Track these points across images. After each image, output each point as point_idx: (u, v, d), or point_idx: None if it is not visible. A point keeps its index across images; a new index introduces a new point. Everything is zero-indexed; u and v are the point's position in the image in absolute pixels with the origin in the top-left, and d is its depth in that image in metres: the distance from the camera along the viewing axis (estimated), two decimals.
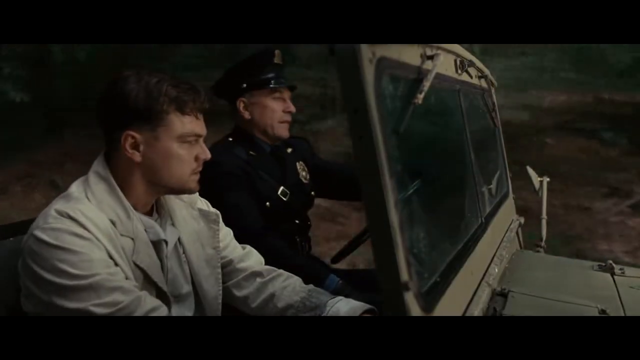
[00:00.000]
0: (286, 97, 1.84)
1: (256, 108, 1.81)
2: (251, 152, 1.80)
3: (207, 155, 1.22)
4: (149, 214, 1.23)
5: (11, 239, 1.26)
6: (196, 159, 1.20)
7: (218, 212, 1.39)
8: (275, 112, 1.81)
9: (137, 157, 1.15)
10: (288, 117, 1.85)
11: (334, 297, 1.30)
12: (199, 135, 1.20)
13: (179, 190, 1.23)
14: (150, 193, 1.21)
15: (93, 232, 1.05)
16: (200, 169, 1.23)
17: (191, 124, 1.17)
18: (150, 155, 1.16)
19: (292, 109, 1.85)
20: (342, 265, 1.95)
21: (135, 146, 1.15)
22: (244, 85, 1.80)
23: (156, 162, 1.16)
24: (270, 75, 1.81)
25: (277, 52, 1.84)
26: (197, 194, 1.36)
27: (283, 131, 1.84)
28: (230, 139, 1.83)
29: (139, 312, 1.04)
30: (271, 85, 1.80)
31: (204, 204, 1.39)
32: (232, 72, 1.83)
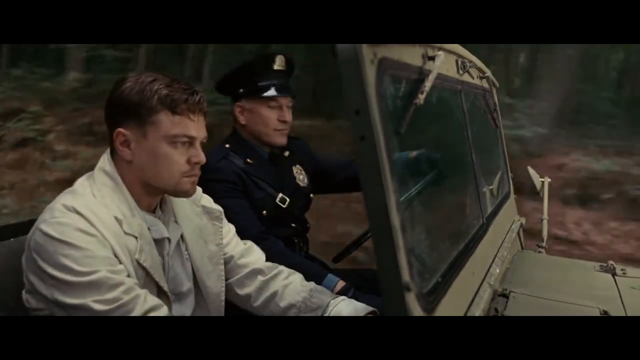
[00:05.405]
0: (284, 104, 1.77)
1: (251, 115, 1.76)
2: (248, 160, 1.76)
3: (201, 158, 1.17)
4: (153, 211, 1.23)
5: (12, 239, 1.27)
6: (188, 161, 1.15)
7: (221, 209, 1.39)
8: (270, 120, 1.75)
9: (128, 155, 1.14)
10: (283, 126, 1.78)
11: (336, 297, 1.30)
12: (192, 137, 1.15)
13: (172, 192, 1.19)
14: (148, 193, 1.19)
15: (99, 229, 1.05)
16: (195, 172, 1.17)
17: (182, 124, 1.13)
18: (139, 153, 1.14)
19: (288, 118, 1.78)
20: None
21: (126, 144, 1.14)
22: (241, 90, 1.76)
23: (145, 161, 1.14)
24: (268, 82, 1.74)
25: (278, 57, 1.77)
26: (201, 190, 1.35)
27: (279, 139, 1.78)
28: (227, 145, 1.78)
29: (138, 311, 1.03)
30: (264, 94, 1.74)
31: (207, 200, 1.38)
32: (232, 75, 1.78)
